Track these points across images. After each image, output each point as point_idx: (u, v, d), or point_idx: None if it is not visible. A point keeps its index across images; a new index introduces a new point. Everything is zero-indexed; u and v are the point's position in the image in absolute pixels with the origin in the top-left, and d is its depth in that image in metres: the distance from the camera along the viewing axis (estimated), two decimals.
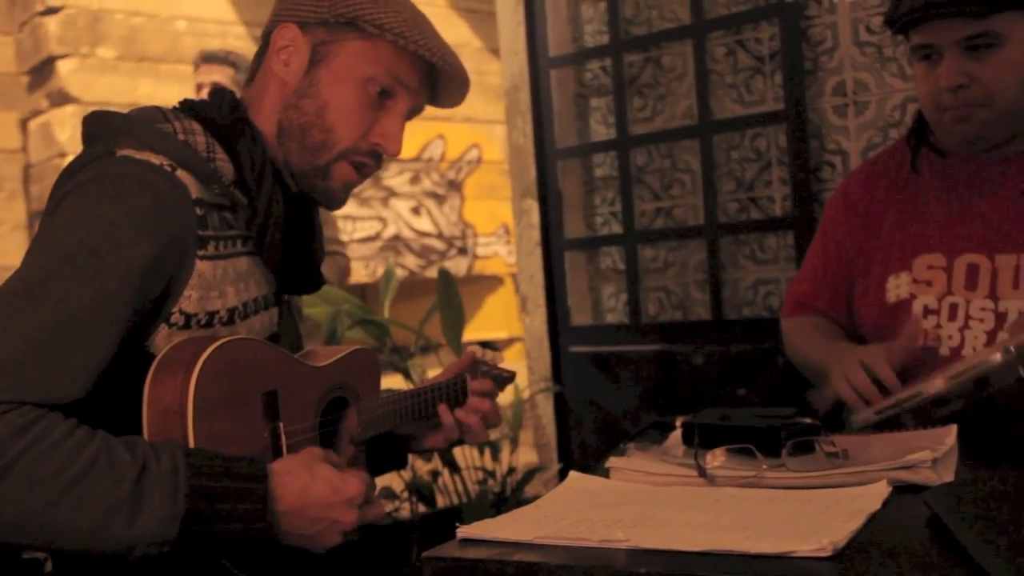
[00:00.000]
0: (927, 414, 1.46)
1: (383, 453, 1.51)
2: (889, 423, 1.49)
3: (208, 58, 3.06)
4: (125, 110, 1.28)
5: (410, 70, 1.30)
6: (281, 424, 1.21)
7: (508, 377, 1.65)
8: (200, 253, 1.18)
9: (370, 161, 1.32)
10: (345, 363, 1.37)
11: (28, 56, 6.52)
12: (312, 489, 1.15)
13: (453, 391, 1.53)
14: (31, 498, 1.00)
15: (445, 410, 1.50)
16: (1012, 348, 1.42)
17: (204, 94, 1.31)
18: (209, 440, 1.12)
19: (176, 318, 1.17)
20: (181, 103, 1.31)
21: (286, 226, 1.27)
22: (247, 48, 6.71)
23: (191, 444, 1.10)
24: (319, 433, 1.31)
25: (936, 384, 1.44)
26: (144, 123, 1.22)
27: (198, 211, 1.18)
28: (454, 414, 1.51)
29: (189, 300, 1.17)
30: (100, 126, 1.24)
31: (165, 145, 1.19)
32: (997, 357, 1.42)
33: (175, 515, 1.04)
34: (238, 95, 1.33)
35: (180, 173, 1.18)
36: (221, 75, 3.03)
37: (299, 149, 1.29)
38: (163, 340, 1.16)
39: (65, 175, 1.20)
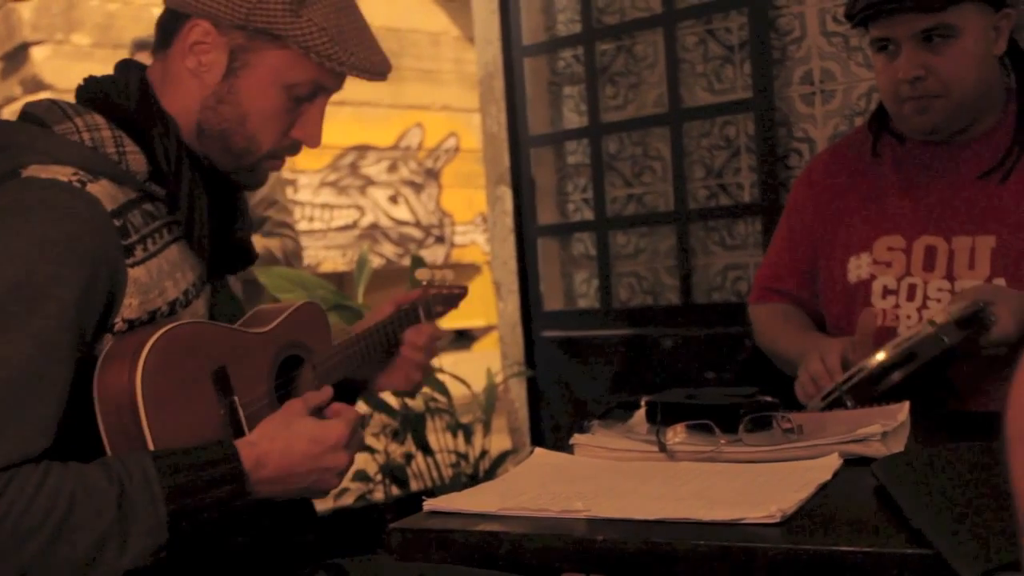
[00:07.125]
0: (867, 393, 1.49)
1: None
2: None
3: (141, 46, 3.04)
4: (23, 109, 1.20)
5: (332, 76, 1.28)
6: (236, 398, 1.21)
7: (460, 294, 1.66)
8: (130, 261, 1.15)
9: (292, 154, 1.32)
10: (291, 321, 1.35)
11: (1, 42, 6.48)
12: (295, 447, 1.16)
13: (406, 321, 1.54)
14: (23, 552, 1.00)
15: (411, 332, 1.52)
16: (936, 321, 1.47)
17: None
18: (165, 429, 1.11)
19: (119, 326, 1.15)
20: (85, 82, 1.26)
21: (211, 211, 1.25)
22: None
23: (147, 436, 1.10)
24: (276, 396, 1.30)
25: (873, 361, 1.48)
26: (44, 128, 1.17)
27: (116, 222, 1.15)
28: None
29: (130, 308, 1.15)
30: (1, 138, 1.17)
31: (70, 153, 1.14)
32: (922, 331, 1.47)
33: (160, 522, 1.06)
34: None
35: (91, 186, 1.13)
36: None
37: (222, 151, 1.27)
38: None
39: None
